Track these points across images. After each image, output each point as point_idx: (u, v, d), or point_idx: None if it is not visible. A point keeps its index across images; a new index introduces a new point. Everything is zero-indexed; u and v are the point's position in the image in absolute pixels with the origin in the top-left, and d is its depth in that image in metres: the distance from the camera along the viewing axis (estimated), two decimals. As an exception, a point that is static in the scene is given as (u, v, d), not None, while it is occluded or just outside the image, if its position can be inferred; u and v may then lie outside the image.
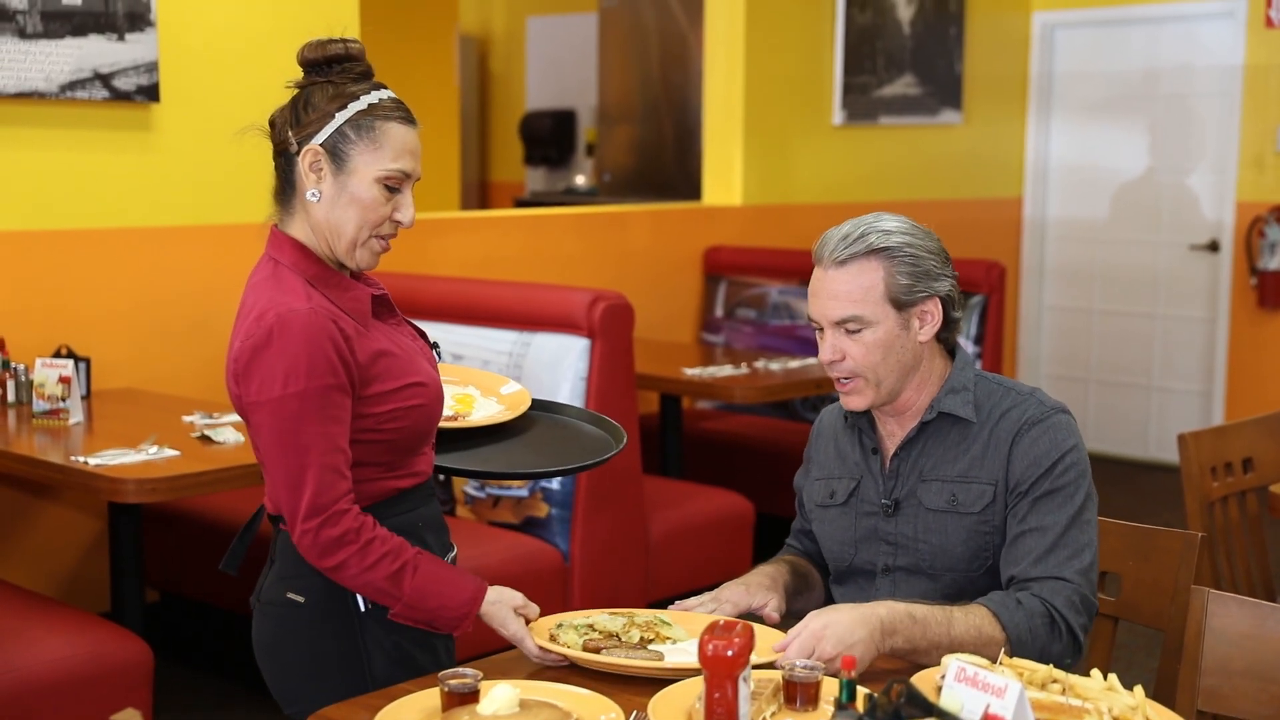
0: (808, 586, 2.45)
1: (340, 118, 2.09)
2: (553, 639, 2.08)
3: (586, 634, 2.09)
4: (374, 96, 2.12)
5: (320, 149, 2.10)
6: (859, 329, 2.21)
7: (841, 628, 2.02)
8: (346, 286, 2.14)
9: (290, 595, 2.16)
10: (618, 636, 2.09)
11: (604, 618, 2.15)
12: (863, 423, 2.37)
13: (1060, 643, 2.16)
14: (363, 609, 2.14)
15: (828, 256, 2.23)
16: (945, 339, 2.30)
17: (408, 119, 2.14)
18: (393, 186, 2.12)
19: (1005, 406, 2.28)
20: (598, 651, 2.05)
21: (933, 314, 2.25)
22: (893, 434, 2.34)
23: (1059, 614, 2.16)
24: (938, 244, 2.27)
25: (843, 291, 2.21)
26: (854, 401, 2.28)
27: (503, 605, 2.14)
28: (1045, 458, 2.22)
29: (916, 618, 2.09)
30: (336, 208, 2.11)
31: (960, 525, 2.25)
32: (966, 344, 5.73)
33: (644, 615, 2.18)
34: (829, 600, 2.51)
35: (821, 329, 2.26)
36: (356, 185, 2.10)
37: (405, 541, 2.10)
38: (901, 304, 2.22)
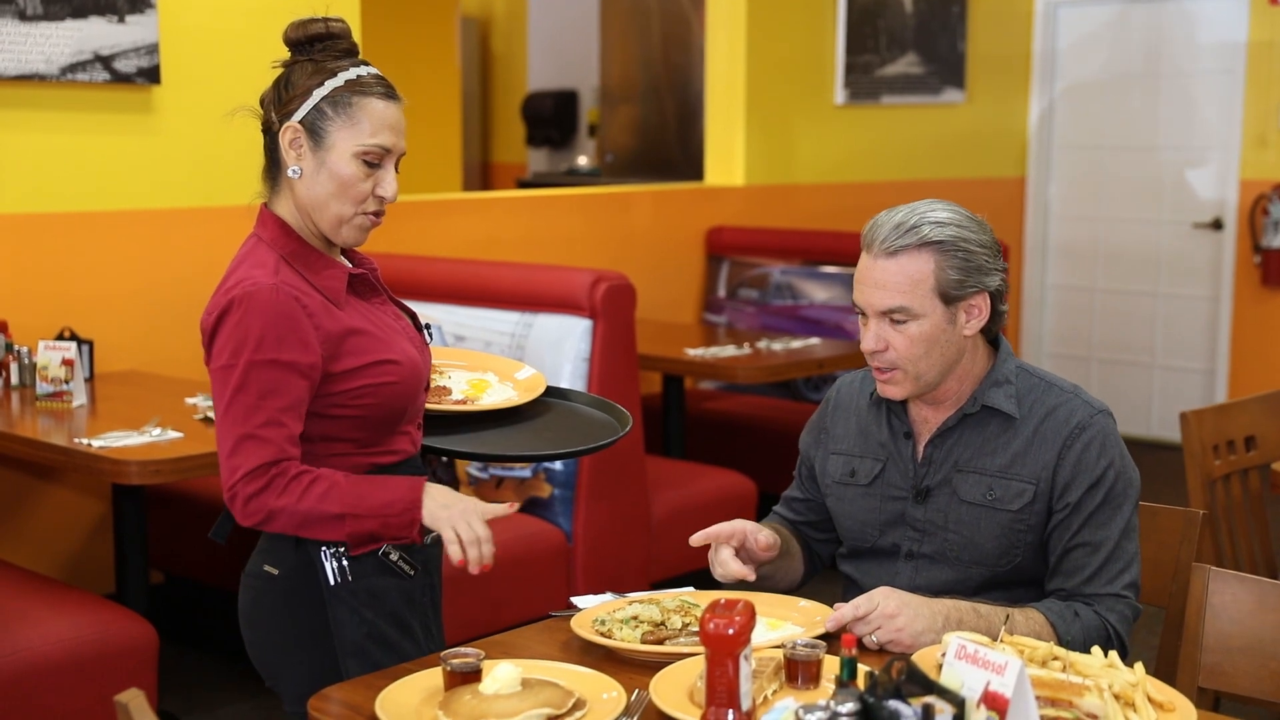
0: (786, 555, 2.41)
1: (318, 94, 2.11)
2: (604, 636, 2.06)
3: (639, 627, 2.08)
4: (353, 73, 2.13)
5: (299, 126, 2.12)
6: (905, 320, 2.17)
7: (920, 620, 2.03)
8: (323, 265, 2.15)
9: (266, 567, 2.20)
10: (663, 624, 2.09)
11: (640, 607, 2.14)
12: (893, 403, 2.32)
13: None
14: (332, 582, 2.15)
15: (878, 245, 2.18)
16: (988, 330, 2.26)
17: (388, 94, 2.15)
18: (372, 162, 2.13)
19: (1050, 404, 2.24)
20: (660, 643, 2.04)
21: (980, 308, 2.21)
22: (926, 419, 2.30)
23: (1114, 630, 2.18)
24: (990, 236, 2.22)
25: (891, 282, 2.16)
26: (892, 391, 2.25)
27: (448, 493, 2.11)
28: (1095, 467, 2.20)
29: (981, 613, 2.10)
30: (316, 184, 2.12)
31: (994, 520, 2.23)
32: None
33: (670, 599, 2.18)
34: (809, 573, 2.50)
35: (865, 316, 2.22)
36: (335, 161, 2.11)
37: (330, 470, 2.09)
38: (950, 298, 2.17)
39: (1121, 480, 2.22)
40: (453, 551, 2.08)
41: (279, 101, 2.15)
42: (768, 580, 2.40)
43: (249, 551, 2.37)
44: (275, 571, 2.18)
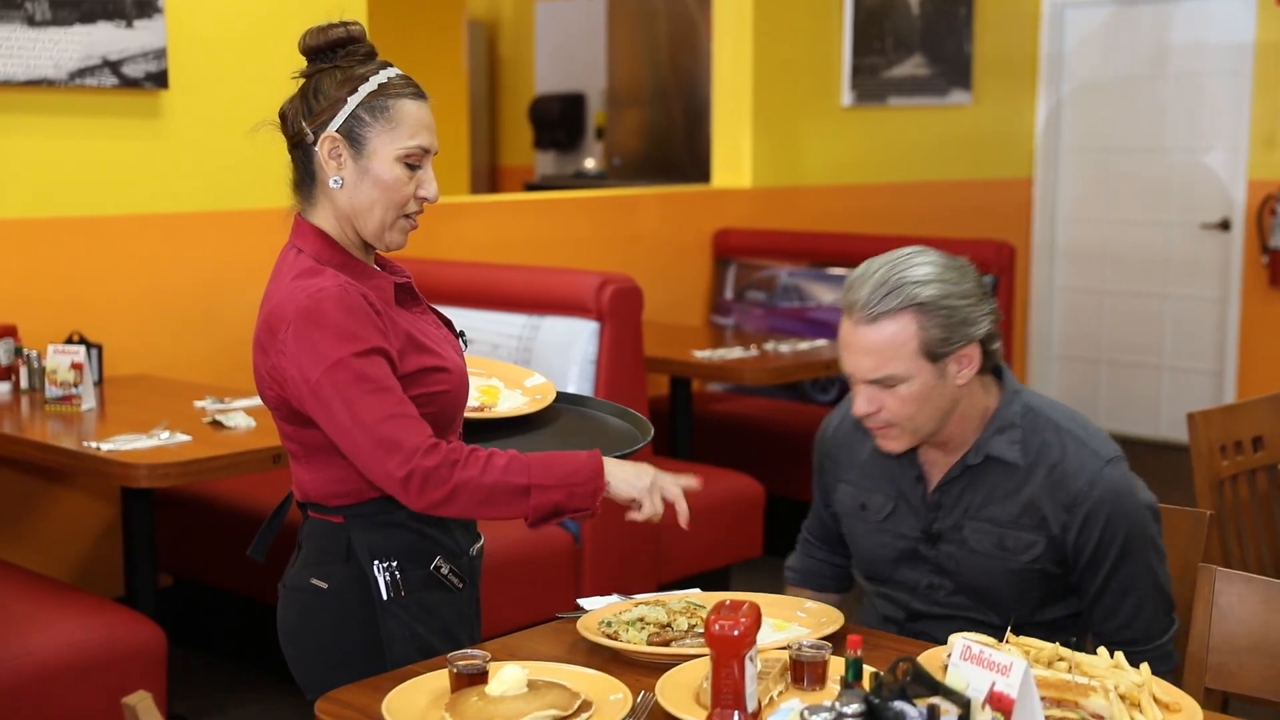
0: None
1: (353, 101, 2.08)
2: (610, 637, 2.07)
3: (645, 629, 2.08)
4: (383, 76, 2.10)
5: (337, 135, 2.08)
6: (894, 384, 2.15)
7: None
8: (369, 275, 2.13)
9: (314, 581, 2.16)
10: (669, 626, 2.09)
11: (646, 609, 2.14)
12: None
13: None
14: (385, 596, 2.12)
15: (858, 310, 2.13)
16: (984, 367, 2.22)
17: (419, 94, 2.13)
18: (413, 164, 2.11)
19: (1058, 453, 2.20)
20: (666, 644, 2.04)
21: (970, 357, 2.17)
22: (934, 461, 2.27)
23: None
24: (974, 281, 2.18)
25: (874, 349, 2.13)
26: (891, 446, 2.23)
27: (627, 464, 2.10)
28: (1108, 530, 2.18)
29: None
30: (359, 192, 2.09)
31: (1007, 569, 2.21)
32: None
33: (675, 601, 2.18)
34: (841, 591, 2.50)
35: (855, 380, 2.19)
36: (378, 167, 2.09)
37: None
38: (937, 356, 2.14)
39: (1137, 529, 2.19)
40: (654, 517, 2.08)
41: (309, 112, 2.10)
42: None
43: (265, 558, 2.36)
44: (324, 585, 2.14)
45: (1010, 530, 2.20)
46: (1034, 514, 2.19)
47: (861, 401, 2.18)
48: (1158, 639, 2.20)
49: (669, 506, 2.10)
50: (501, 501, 2.01)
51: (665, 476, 2.11)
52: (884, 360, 2.13)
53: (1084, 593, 2.23)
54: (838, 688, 1.78)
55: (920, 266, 2.14)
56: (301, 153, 2.13)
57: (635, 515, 2.09)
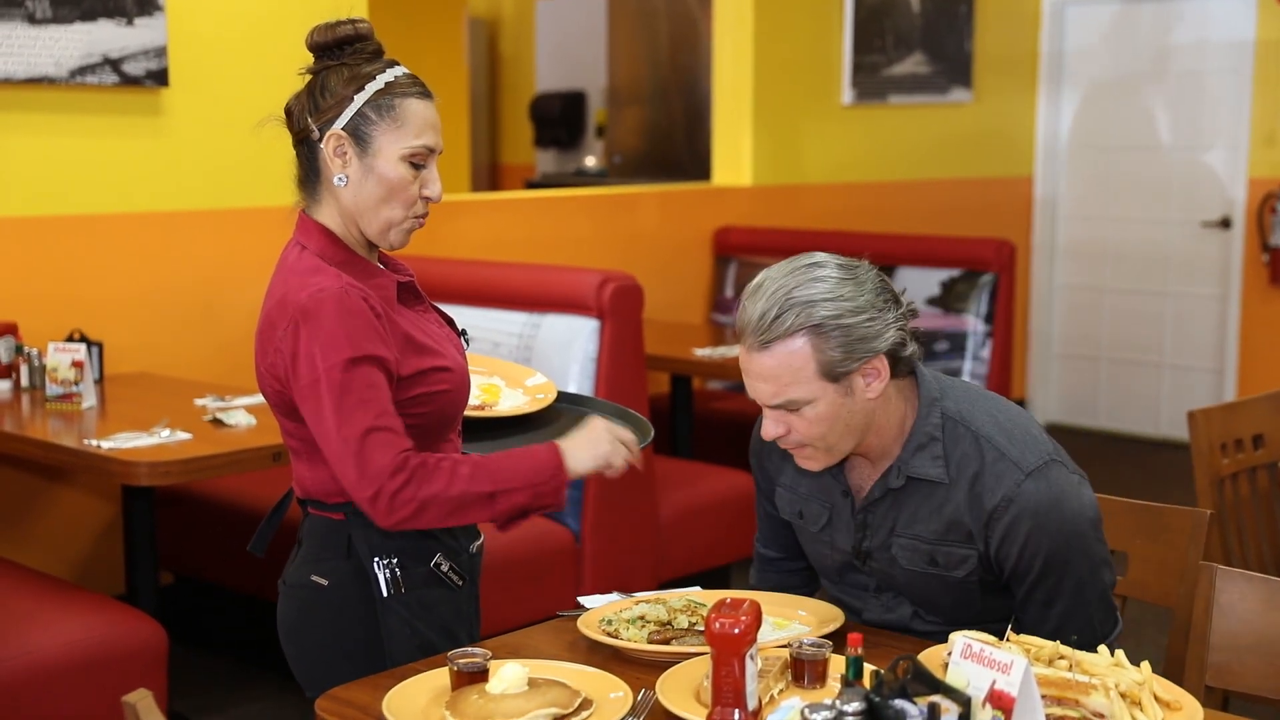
0: None
1: (359, 99, 2.08)
2: (611, 635, 2.06)
3: (645, 627, 2.08)
4: (390, 74, 2.10)
5: (342, 133, 2.08)
6: (797, 408, 2.06)
7: None
8: (372, 273, 2.13)
9: (314, 578, 2.16)
10: (669, 624, 2.09)
11: (646, 607, 2.13)
12: None
13: None
14: (385, 593, 2.12)
15: (750, 334, 2.03)
16: (898, 369, 2.09)
17: (425, 93, 2.13)
18: (417, 163, 2.10)
19: (977, 464, 2.08)
20: (667, 642, 2.04)
21: (878, 370, 2.04)
22: (861, 470, 2.19)
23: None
24: (872, 291, 2.04)
25: (771, 375, 2.03)
26: (810, 465, 2.15)
27: (580, 438, 2.13)
28: (1031, 545, 2.06)
29: None
30: (364, 190, 2.09)
31: (942, 583, 2.14)
32: (977, 323, 5.72)
33: (676, 599, 2.18)
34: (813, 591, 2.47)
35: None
36: (383, 166, 2.08)
37: (460, 454, 2.08)
38: (838, 376, 2.02)
39: (1061, 542, 2.07)
40: (626, 466, 2.14)
41: (315, 109, 2.10)
42: None
43: (266, 555, 2.37)
44: (324, 582, 2.15)
45: (939, 547, 2.12)
46: (959, 530, 2.11)
47: (769, 425, 2.11)
48: (1088, 647, 2.16)
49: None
50: (470, 510, 2.04)
51: (613, 429, 2.15)
52: (782, 386, 2.03)
53: (1013, 598, 2.16)
54: (838, 686, 1.78)
55: (814, 284, 2.02)
56: (306, 149, 2.13)
57: (610, 473, 2.13)
